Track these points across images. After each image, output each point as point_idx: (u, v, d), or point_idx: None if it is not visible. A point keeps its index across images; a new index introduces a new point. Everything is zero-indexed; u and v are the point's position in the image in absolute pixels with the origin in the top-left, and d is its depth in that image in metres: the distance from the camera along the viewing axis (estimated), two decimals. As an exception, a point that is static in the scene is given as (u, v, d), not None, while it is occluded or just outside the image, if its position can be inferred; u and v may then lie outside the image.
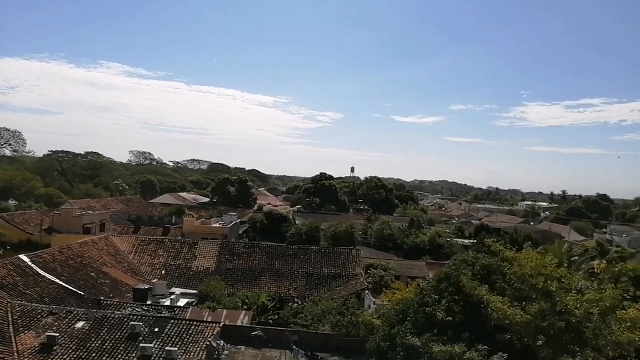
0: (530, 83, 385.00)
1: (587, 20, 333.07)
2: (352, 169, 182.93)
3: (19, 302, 21.76)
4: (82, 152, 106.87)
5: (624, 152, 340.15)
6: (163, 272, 35.21)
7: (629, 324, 15.05)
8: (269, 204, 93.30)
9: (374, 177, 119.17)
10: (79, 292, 26.63)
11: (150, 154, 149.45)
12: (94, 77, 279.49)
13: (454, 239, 57.89)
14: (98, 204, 60.69)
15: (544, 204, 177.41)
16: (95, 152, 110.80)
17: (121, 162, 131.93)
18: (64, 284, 26.60)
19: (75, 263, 30.47)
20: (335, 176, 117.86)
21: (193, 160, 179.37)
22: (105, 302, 25.98)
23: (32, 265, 26.54)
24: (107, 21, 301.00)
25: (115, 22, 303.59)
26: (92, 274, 30.67)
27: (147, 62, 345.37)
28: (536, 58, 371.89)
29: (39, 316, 20.73)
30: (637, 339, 14.64)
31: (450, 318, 17.59)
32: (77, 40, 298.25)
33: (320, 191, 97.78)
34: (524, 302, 16.93)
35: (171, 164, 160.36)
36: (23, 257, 27.00)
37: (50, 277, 26.61)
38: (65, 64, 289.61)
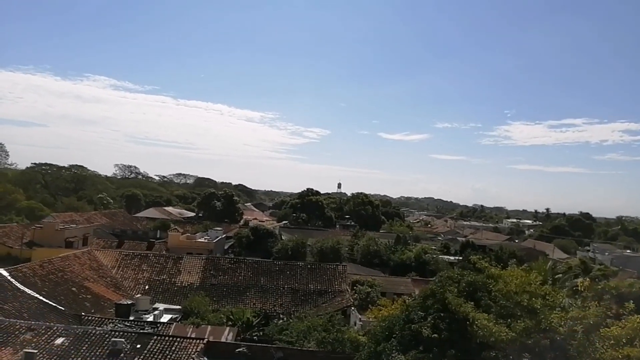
0: (514, 102, 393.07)
1: (569, 41, 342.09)
2: (339, 185, 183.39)
3: (-4, 317, 21.21)
4: (66, 165, 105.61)
5: (605, 171, 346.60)
6: (147, 287, 34.68)
7: (612, 341, 15.15)
8: (255, 219, 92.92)
9: (361, 193, 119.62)
10: (60, 307, 26.06)
11: (136, 167, 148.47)
12: (80, 90, 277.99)
13: (440, 256, 58.08)
14: (81, 218, 59.75)
15: (529, 221, 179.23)
16: (79, 165, 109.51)
17: (106, 176, 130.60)
18: (44, 299, 26.02)
19: (56, 278, 29.86)
20: (322, 192, 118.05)
21: (179, 174, 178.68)
22: (86, 317, 25.47)
23: (11, 280, 25.93)
24: (95, 34, 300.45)
25: (102, 35, 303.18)
26: (73, 289, 30.07)
27: (134, 76, 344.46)
28: (520, 77, 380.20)
29: (17, 332, 20.20)
30: (620, 356, 14.75)
31: (436, 335, 17.53)
32: (64, 53, 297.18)
33: (307, 207, 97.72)
34: (509, 320, 16.98)
35: (157, 178, 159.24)
36: (2, 271, 26.38)
37: (29, 291, 26.01)
38: (51, 76, 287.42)
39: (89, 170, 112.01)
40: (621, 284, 22.56)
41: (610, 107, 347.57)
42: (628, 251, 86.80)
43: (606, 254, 78.69)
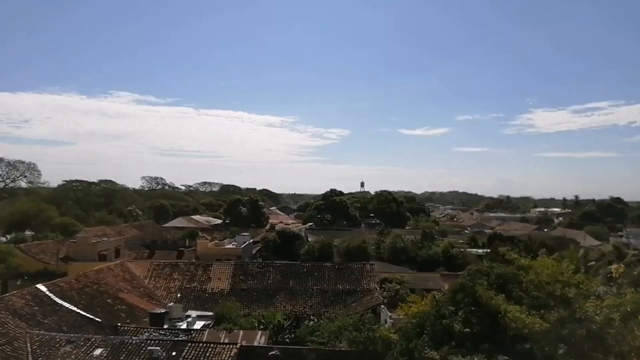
0: (535, 89, 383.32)
1: (588, 24, 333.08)
2: (362, 184, 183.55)
3: (37, 331, 21.95)
4: (95, 181, 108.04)
5: (636, 153, 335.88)
6: (179, 295, 35.27)
7: (651, 328, 14.82)
8: (281, 222, 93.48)
9: (384, 191, 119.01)
10: (96, 319, 26.75)
11: (162, 179, 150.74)
12: (105, 107, 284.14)
13: (468, 250, 57.38)
14: (113, 231, 61.22)
15: (557, 209, 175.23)
16: (108, 180, 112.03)
17: (134, 189, 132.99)
18: (81, 312, 26.76)
19: (92, 290, 30.67)
20: (345, 192, 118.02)
21: (204, 183, 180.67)
22: (122, 328, 26.03)
23: (50, 295, 26.77)
24: (116, 52, 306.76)
25: (124, 53, 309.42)
26: (108, 300, 30.83)
27: (156, 89, 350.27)
28: (539, 64, 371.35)
29: (57, 345, 20.85)
30: (660, 343, 14.40)
31: (468, 329, 17.41)
32: (88, 72, 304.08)
33: (331, 207, 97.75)
34: (542, 310, 16.75)
35: (183, 187, 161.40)
36: (40, 286, 27.26)
37: (67, 305, 26.80)
38: (77, 95, 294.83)
39: (117, 184, 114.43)
40: (658, 268, 21.98)
41: (636, 87, 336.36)
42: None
43: (641, 238, 76.32)
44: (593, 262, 30.82)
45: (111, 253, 48.12)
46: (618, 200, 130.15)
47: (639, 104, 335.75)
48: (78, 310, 26.80)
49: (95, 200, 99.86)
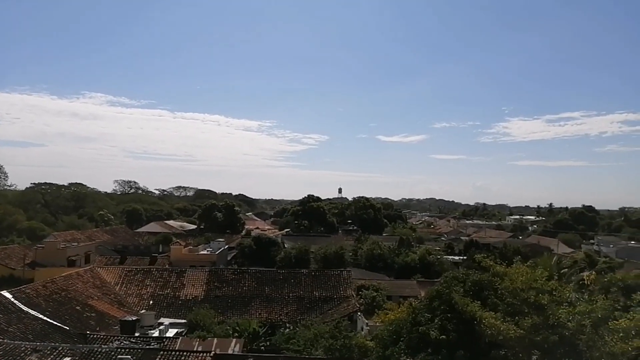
0: (511, 99, 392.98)
1: (562, 36, 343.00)
2: (340, 190, 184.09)
3: (1, 340, 21.05)
4: (65, 184, 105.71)
5: (607, 163, 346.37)
6: (151, 302, 34.51)
7: (621, 334, 15.03)
8: (257, 228, 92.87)
9: (362, 197, 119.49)
10: (64, 327, 25.89)
11: (135, 182, 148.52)
12: (77, 108, 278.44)
13: (444, 257, 57.92)
14: (83, 236, 59.66)
15: (531, 217, 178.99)
16: (79, 183, 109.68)
17: (106, 192, 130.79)
18: (48, 319, 25.85)
19: (60, 297, 29.71)
20: (323, 198, 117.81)
21: (179, 187, 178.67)
22: (91, 336, 25.25)
23: (15, 302, 25.79)
24: (89, 52, 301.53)
25: (96, 52, 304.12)
26: (77, 307, 29.91)
27: (130, 91, 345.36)
28: (515, 74, 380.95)
29: (23, 354, 19.99)
30: (630, 349, 14.62)
31: (444, 336, 17.40)
32: (60, 72, 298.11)
33: (309, 213, 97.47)
34: (517, 317, 16.87)
35: (157, 192, 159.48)
36: (5, 293, 26.24)
37: (33, 312, 25.86)
38: (47, 95, 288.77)
39: (88, 187, 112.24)
40: (627, 276, 22.52)
41: (608, 99, 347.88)
42: (632, 242, 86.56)
43: (611, 246, 78.51)
44: (566, 270, 31.34)
45: (81, 258, 46.91)
46: (590, 208, 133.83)
47: (610, 114, 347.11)
48: (45, 318, 25.88)
49: (64, 204, 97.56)
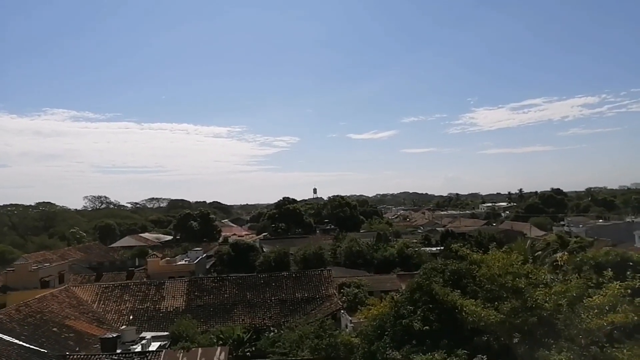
0: (476, 89, 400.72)
1: (518, 28, 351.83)
2: (315, 191, 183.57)
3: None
4: (32, 204, 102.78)
5: (570, 146, 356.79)
6: (131, 317, 33.82)
7: (596, 310, 15.57)
8: (234, 234, 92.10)
9: (337, 196, 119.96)
10: (42, 350, 25.12)
11: (106, 197, 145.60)
12: (39, 125, 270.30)
13: (422, 249, 58.57)
14: (55, 255, 58.02)
15: (503, 204, 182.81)
16: (47, 202, 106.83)
17: (76, 209, 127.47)
18: (24, 344, 25.01)
19: (35, 320, 28.82)
20: (298, 199, 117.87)
21: (152, 199, 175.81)
22: (71, 357, 24.62)
23: (-12, 329, 24.89)
24: (48, 67, 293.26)
25: (56, 68, 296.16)
26: (54, 329, 29.06)
27: (94, 105, 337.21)
28: (477, 65, 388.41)
29: (0, 382, 19.39)
30: (605, 324, 15.17)
31: (427, 327, 17.67)
32: (18, 90, 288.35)
33: (285, 216, 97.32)
34: (496, 302, 17.25)
35: (129, 205, 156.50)
36: (-24, 320, 25.32)
37: (8, 338, 24.95)
38: (6, 114, 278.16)
39: (57, 206, 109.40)
40: (597, 253, 23.20)
41: (566, 84, 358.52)
42: (600, 221, 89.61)
43: (580, 226, 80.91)
44: (540, 252, 32.20)
45: (54, 279, 45.56)
46: (558, 191, 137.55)
47: (570, 99, 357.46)
48: (21, 343, 25.01)
49: (33, 224, 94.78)
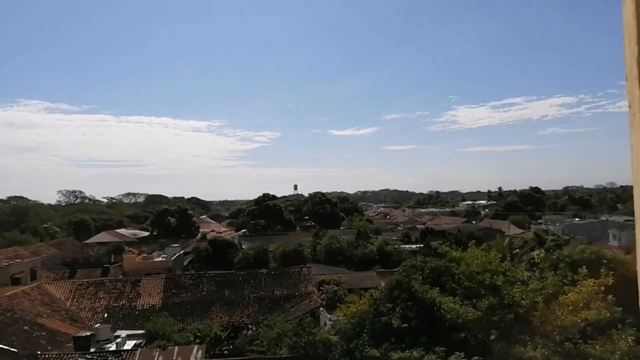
0: (457, 87, 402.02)
1: (501, 26, 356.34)
2: (295, 187, 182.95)
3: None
4: (4, 198, 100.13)
5: (549, 145, 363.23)
6: (105, 315, 33.17)
7: (570, 307, 15.78)
8: (213, 231, 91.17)
9: (318, 192, 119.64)
10: (12, 349, 24.42)
11: (81, 192, 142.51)
12: (12, 117, 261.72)
13: (402, 246, 58.98)
14: (27, 251, 56.64)
15: (483, 202, 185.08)
16: (19, 197, 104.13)
17: (50, 204, 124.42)
18: (-7, 343, 24.30)
19: (5, 318, 28.02)
20: (278, 196, 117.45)
21: (128, 194, 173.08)
22: (43, 356, 24.01)
23: (-46, 327, 24.09)
24: (21, 57, 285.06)
25: (30, 58, 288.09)
26: (25, 327, 28.32)
27: (69, 97, 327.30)
28: (458, 63, 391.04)
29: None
30: (579, 320, 15.38)
31: (406, 324, 17.65)
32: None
33: (265, 212, 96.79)
34: (474, 300, 17.34)
35: (105, 200, 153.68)
36: (-58, 319, 24.47)
37: (-24, 337, 24.25)
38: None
39: (29, 200, 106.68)
40: (573, 251, 23.58)
41: (546, 83, 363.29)
42: (577, 219, 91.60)
43: (557, 224, 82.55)
44: (517, 250, 32.65)
45: (26, 275, 44.55)
46: (536, 189, 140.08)
47: (549, 98, 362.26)
48: (-11, 342, 24.30)
49: (4, 219, 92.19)
